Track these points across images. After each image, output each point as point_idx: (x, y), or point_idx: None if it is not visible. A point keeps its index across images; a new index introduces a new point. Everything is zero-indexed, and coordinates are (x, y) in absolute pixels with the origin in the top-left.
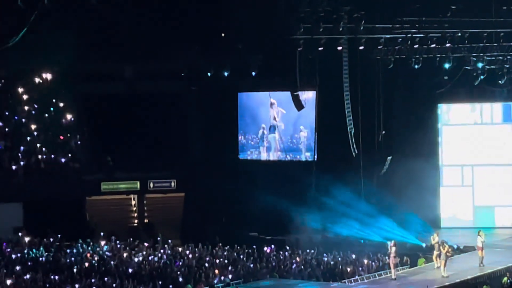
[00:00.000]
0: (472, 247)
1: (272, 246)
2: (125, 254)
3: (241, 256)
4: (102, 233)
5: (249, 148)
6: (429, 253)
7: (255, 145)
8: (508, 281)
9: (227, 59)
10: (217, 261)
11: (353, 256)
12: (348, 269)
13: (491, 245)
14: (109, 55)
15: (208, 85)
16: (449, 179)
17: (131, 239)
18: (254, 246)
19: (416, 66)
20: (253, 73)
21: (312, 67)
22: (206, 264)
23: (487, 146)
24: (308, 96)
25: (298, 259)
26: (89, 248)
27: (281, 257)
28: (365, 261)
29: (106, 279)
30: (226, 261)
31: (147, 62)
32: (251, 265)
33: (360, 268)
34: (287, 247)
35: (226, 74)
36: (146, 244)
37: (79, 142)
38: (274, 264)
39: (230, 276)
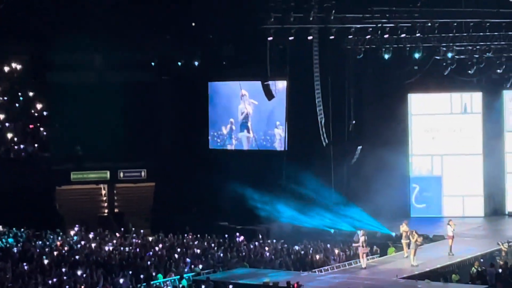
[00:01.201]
0: (442, 236)
1: (243, 235)
2: (94, 244)
3: (212, 246)
4: (71, 223)
5: (215, 147)
6: (399, 242)
7: (221, 143)
8: (477, 270)
9: (197, 49)
10: (188, 250)
11: (324, 245)
12: (318, 258)
13: (460, 234)
14: (79, 45)
15: (179, 74)
16: (419, 169)
17: (101, 228)
18: (225, 236)
19: (386, 56)
20: (224, 63)
21: (282, 57)
22: (177, 254)
23: (457, 136)
24: (284, 86)
25: (268, 248)
26: (59, 238)
27: (252, 247)
28: (336, 251)
29: (76, 269)
30: (196, 250)
31: (117, 52)
32: (222, 255)
33: (332, 258)
34: (259, 236)
35: (196, 63)
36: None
37: (48, 132)
38: (244, 253)
39: (200, 266)
